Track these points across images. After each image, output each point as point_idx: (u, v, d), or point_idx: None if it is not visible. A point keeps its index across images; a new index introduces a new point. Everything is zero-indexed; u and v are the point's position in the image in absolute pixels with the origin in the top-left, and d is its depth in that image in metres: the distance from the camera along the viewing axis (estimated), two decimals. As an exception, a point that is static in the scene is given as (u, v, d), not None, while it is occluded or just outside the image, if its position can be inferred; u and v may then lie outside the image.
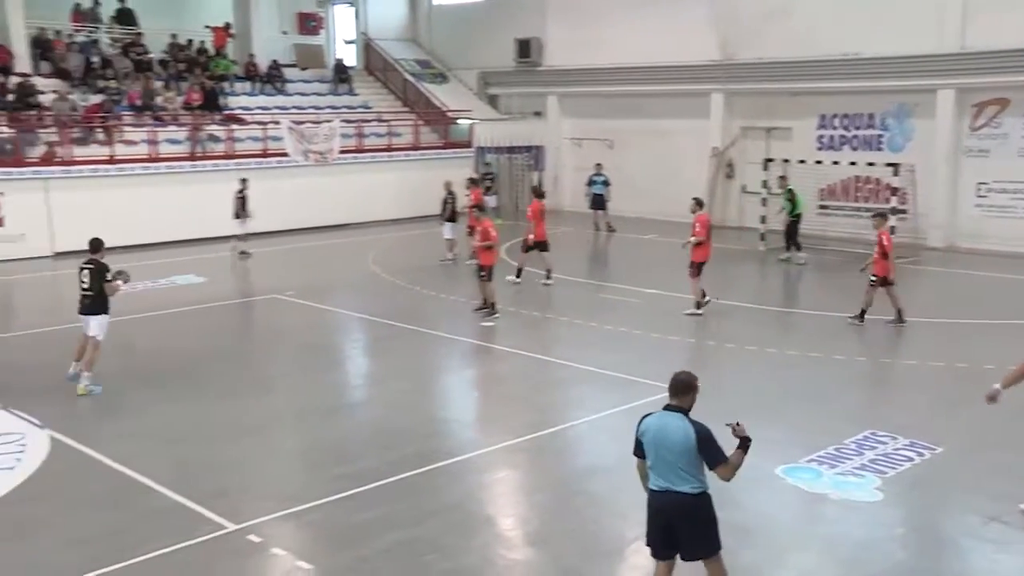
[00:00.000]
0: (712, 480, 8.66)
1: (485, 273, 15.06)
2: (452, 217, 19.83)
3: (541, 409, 10.89)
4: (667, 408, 6.03)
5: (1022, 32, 19.50)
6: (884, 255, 13.97)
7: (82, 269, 11.40)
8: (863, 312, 14.24)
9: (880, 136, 22.47)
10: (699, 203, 15.50)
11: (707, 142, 25.30)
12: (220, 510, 7.99)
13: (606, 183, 24.62)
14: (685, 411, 5.98)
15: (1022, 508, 7.88)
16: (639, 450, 6.08)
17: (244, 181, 20.84)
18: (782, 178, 20.71)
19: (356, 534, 7.68)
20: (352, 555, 7.36)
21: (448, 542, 7.48)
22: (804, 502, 8.33)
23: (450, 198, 19.89)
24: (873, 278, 14.14)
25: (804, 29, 22.63)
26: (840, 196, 22.85)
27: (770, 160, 22.04)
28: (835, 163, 21.84)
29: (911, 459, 9.10)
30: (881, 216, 14.73)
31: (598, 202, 24.63)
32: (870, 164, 21.34)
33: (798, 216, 19.82)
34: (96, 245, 11.50)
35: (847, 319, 14.44)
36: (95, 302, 11.30)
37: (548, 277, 17.52)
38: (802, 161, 22.02)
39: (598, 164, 25.10)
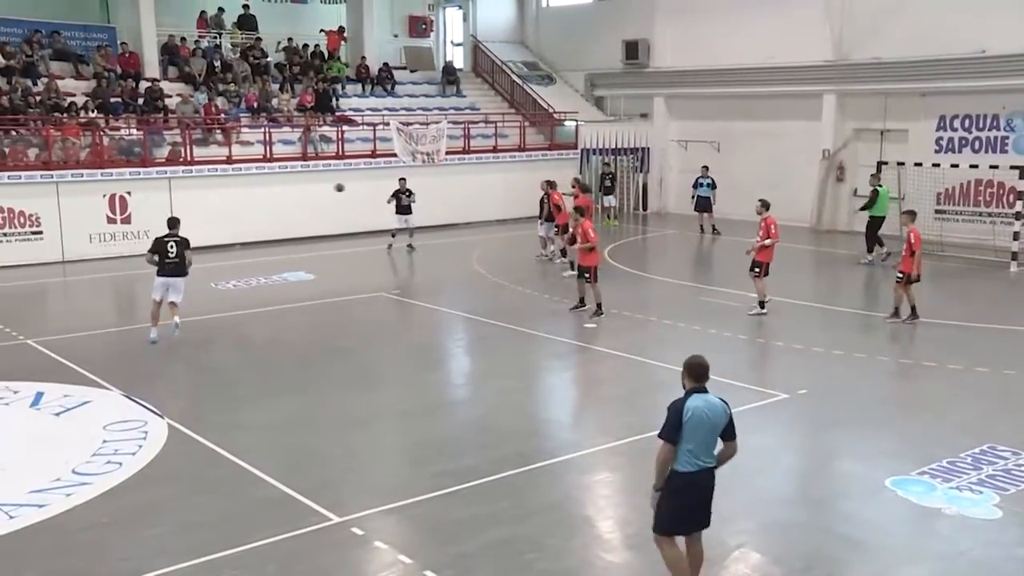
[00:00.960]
0: (816, 489, 8.51)
1: (589, 275, 15.12)
2: (550, 216, 20.07)
3: (641, 412, 10.78)
4: (697, 391, 6.36)
5: None
6: (912, 252, 14.00)
7: (168, 241, 13.71)
8: (897, 310, 14.33)
9: (1005, 138, 21.49)
10: (766, 205, 15.42)
11: (818, 144, 24.69)
12: (325, 502, 8.19)
13: (712, 185, 24.31)
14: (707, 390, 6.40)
15: None
16: (677, 436, 6.24)
17: (403, 180, 21.56)
18: (874, 176, 20.18)
19: (457, 530, 7.79)
20: (453, 551, 7.44)
21: (548, 542, 7.51)
22: (916, 516, 8.06)
23: (547, 198, 20.13)
24: (900, 275, 14.15)
25: (922, 26, 21.82)
26: (959, 201, 21.96)
27: (883, 163, 21.35)
28: (954, 166, 20.99)
29: None
30: (910, 213, 14.66)
31: (703, 204, 24.36)
32: (993, 167, 20.42)
33: (877, 218, 19.64)
34: (175, 223, 14.05)
35: (883, 319, 14.44)
36: (179, 267, 13.73)
37: (572, 268, 17.46)
38: (918, 164, 21.27)
39: (704, 166, 24.80)
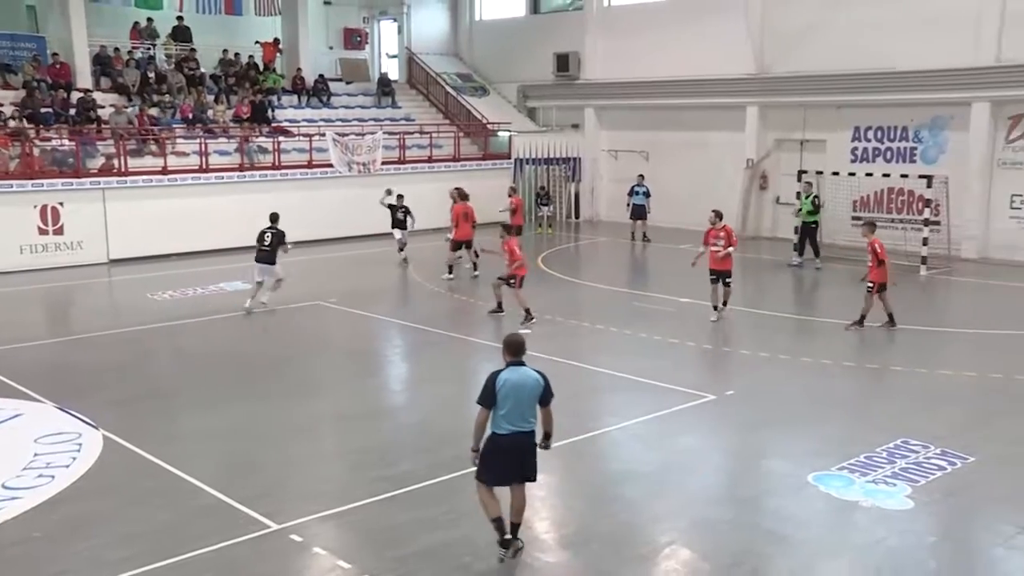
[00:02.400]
0: (743, 486, 9.01)
1: (515, 281, 15.65)
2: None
3: (577, 415, 10.94)
4: (514, 364, 7.28)
5: (1057, 46, 19.67)
6: (880, 262, 14.54)
7: (264, 233, 16.34)
8: (863, 318, 14.74)
9: (914, 148, 22.65)
10: (719, 215, 15.81)
11: (742, 154, 25.64)
12: (264, 510, 8.23)
13: (647, 194, 25.07)
14: (525, 364, 7.29)
15: None
16: (490, 402, 7.18)
17: (389, 192, 21.69)
18: (808, 184, 21.12)
19: (395, 535, 7.86)
20: (391, 555, 7.51)
21: (485, 544, 7.54)
22: (836, 510, 8.39)
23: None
24: (871, 285, 14.63)
25: (837, 43, 22.93)
26: (873, 208, 23.07)
27: (804, 172, 22.32)
28: (868, 175, 22.06)
29: (943, 468, 9.17)
30: (871, 225, 15.26)
31: (639, 212, 25.10)
32: (903, 176, 21.52)
33: (806, 223, 20.70)
34: (275, 217, 16.67)
35: (845, 326, 14.81)
36: (270, 255, 16.20)
37: (475, 268, 19.50)
38: (836, 173, 22.28)
39: (640, 175, 25.56)
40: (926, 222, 20.25)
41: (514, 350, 7.31)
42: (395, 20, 33.34)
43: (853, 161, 23.43)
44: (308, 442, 10.37)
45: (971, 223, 21.44)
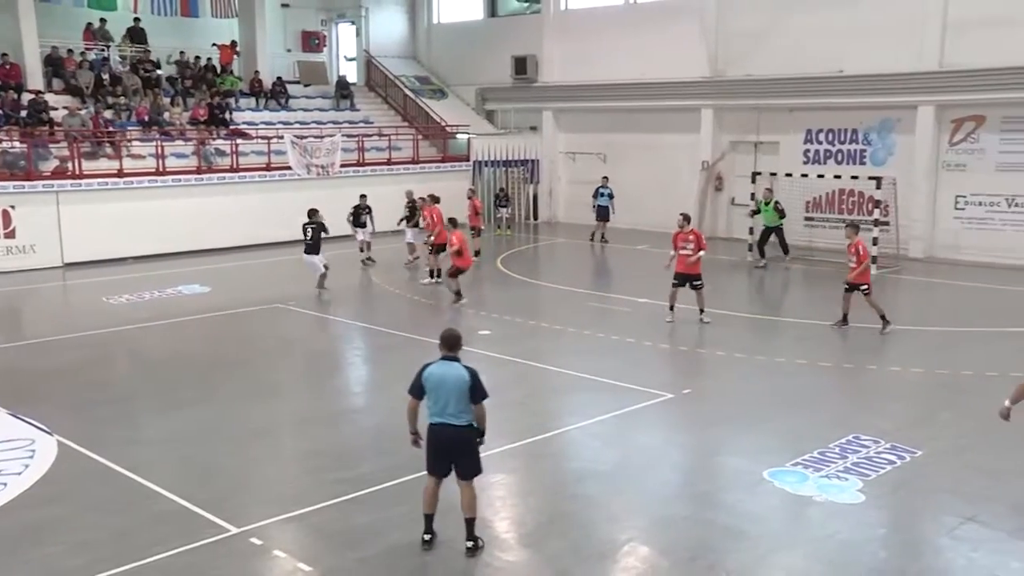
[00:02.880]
0: (700, 483, 9.14)
1: (452, 270, 17.07)
2: (416, 224, 21.20)
3: (536, 415, 11.09)
4: (445, 358, 7.47)
5: (996, 52, 20.27)
6: (860, 262, 14.72)
7: (305, 227, 17.91)
8: (845, 316, 14.98)
9: (863, 150, 23.20)
10: (687, 218, 16.06)
11: (698, 156, 26.03)
12: (223, 514, 8.18)
13: (611, 196, 25.38)
14: (458, 359, 7.47)
15: None
16: (416, 393, 7.51)
17: (364, 197, 21.85)
18: (768, 191, 21.49)
19: (356, 537, 7.86)
20: (352, 557, 7.52)
21: (445, 544, 7.62)
22: (791, 504, 8.55)
23: (411, 203, 21.38)
24: (865, 287, 14.77)
25: (789, 47, 23.41)
26: (825, 208, 23.58)
27: (758, 173, 22.76)
28: (820, 176, 22.54)
29: (892, 462, 9.41)
30: (854, 227, 15.41)
31: (603, 213, 25.40)
32: (854, 177, 22.02)
33: (772, 226, 21.09)
34: (313, 212, 18.09)
35: (829, 326, 15.10)
36: (311, 247, 17.81)
37: (436, 276, 19.19)
38: (788, 174, 22.75)
39: (604, 177, 25.88)
40: (876, 222, 20.74)
41: (446, 344, 7.54)
42: (353, 23, 33.29)
43: (806, 163, 23.92)
44: (268, 445, 10.35)
45: (918, 223, 22.02)
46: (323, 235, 17.88)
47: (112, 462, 9.48)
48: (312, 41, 32.48)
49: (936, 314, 16.82)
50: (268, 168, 25.14)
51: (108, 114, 24.47)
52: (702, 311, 15.51)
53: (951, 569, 7.43)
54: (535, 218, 30.13)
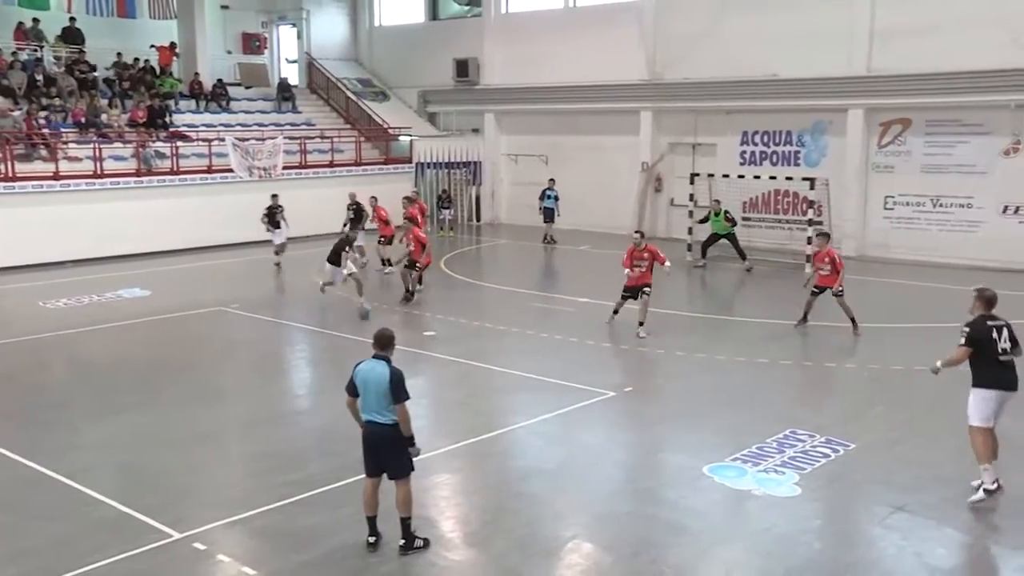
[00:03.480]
0: (642, 479, 9.29)
1: (409, 263, 17.59)
2: (363, 227, 21.52)
3: (480, 414, 11.19)
4: (375, 357, 7.54)
5: (921, 58, 21.05)
6: (836, 270, 14.94)
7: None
8: (806, 316, 15.35)
9: (798, 152, 23.86)
10: (643, 235, 15.92)
11: (638, 157, 26.48)
12: (166, 519, 8.11)
13: (557, 198, 25.67)
14: (388, 359, 7.54)
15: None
16: (350, 388, 7.59)
17: (275, 196, 21.63)
18: (716, 201, 21.95)
19: (301, 539, 7.84)
20: (297, 560, 7.50)
21: (391, 545, 7.61)
22: (730, 499, 8.72)
23: (355, 205, 21.57)
24: (839, 289, 14.94)
25: (725, 51, 23.96)
26: (762, 209, 24.18)
27: (696, 174, 23.24)
28: (756, 177, 23.11)
29: (827, 455, 9.65)
30: (825, 236, 15.78)
31: (549, 215, 25.70)
32: (788, 178, 22.61)
33: (723, 233, 21.56)
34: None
35: (793, 326, 15.34)
36: (335, 260, 16.81)
37: (388, 265, 20.12)
38: (726, 175, 23.28)
39: (551, 179, 26.14)
40: (810, 222, 21.32)
41: (376, 343, 7.64)
42: (294, 25, 33.13)
43: (742, 164, 24.51)
44: (212, 449, 10.30)
45: (849, 223, 22.72)
46: (346, 249, 17.07)
47: (50, 470, 9.33)
48: (253, 43, 32.23)
49: (868, 311, 17.16)
50: (209, 171, 24.93)
51: (43, 116, 24.01)
52: (641, 324, 14.89)
53: (882, 558, 7.63)
54: (478, 219, 30.34)
